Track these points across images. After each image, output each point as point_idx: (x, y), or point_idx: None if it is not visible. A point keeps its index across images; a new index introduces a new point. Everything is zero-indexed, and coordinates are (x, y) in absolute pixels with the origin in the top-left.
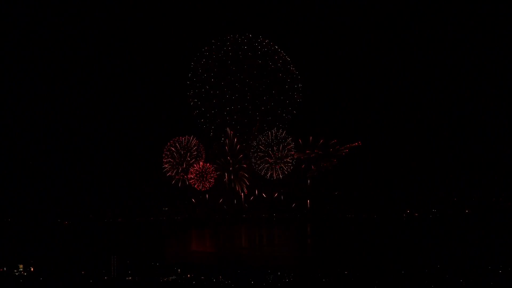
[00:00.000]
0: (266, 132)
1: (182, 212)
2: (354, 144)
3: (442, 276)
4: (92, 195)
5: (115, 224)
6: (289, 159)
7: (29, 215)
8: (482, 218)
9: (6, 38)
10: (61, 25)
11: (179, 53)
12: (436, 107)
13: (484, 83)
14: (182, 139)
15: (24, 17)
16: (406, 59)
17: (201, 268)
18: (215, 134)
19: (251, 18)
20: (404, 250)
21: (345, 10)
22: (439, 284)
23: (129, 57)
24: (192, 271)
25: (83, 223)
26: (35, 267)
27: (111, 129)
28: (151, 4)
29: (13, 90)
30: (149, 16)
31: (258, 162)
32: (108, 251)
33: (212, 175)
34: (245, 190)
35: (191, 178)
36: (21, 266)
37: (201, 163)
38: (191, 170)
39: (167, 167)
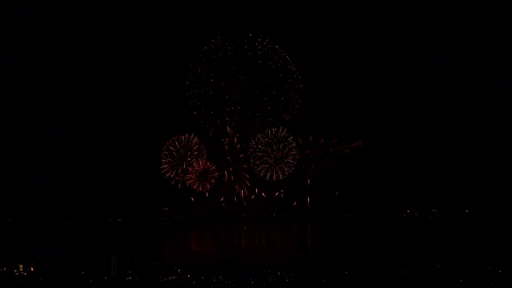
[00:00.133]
0: (266, 130)
1: (182, 212)
2: (354, 144)
3: (442, 276)
4: (92, 195)
5: (115, 224)
6: (290, 159)
7: (29, 215)
8: (482, 218)
9: (5, 38)
10: (61, 25)
11: (179, 52)
12: (436, 107)
13: (484, 83)
14: (182, 137)
15: (21, 16)
16: (407, 59)
17: (201, 268)
18: (214, 134)
19: (251, 18)
20: (404, 250)
21: (345, 10)
22: (439, 284)
23: (128, 56)
24: (192, 271)
25: (83, 223)
26: (35, 267)
27: (111, 129)
28: (151, 3)
29: (12, 90)
30: (149, 15)
31: (257, 162)
32: (108, 251)
33: (212, 175)
34: (246, 191)
35: (190, 179)
36: (21, 266)
37: (202, 162)
38: (191, 170)
39: (166, 167)
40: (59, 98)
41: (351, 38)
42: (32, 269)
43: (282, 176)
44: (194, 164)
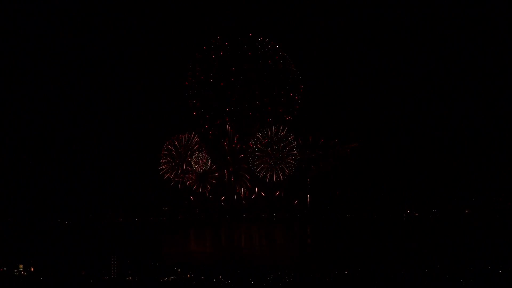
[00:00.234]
0: (265, 130)
1: (182, 212)
2: (351, 145)
3: (442, 276)
4: (92, 195)
5: (115, 224)
6: (291, 159)
7: (29, 215)
8: (482, 218)
9: (5, 38)
10: (61, 25)
11: (178, 52)
12: (436, 107)
13: (484, 83)
14: (182, 137)
15: (20, 15)
16: (407, 60)
17: (201, 268)
18: (214, 135)
19: (251, 18)
20: (404, 250)
21: (346, 11)
22: (439, 284)
23: (128, 56)
24: (192, 271)
25: (83, 223)
26: (35, 267)
27: (111, 129)
28: (151, 3)
29: (12, 90)
30: (149, 15)
31: (256, 163)
32: (108, 251)
33: (213, 175)
34: (246, 192)
35: (190, 179)
36: (21, 266)
37: (202, 161)
38: (190, 169)
39: (165, 168)
40: (59, 98)
41: (352, 39)
42: (32, 269)
43: (282, 177)
44: (193, 162)
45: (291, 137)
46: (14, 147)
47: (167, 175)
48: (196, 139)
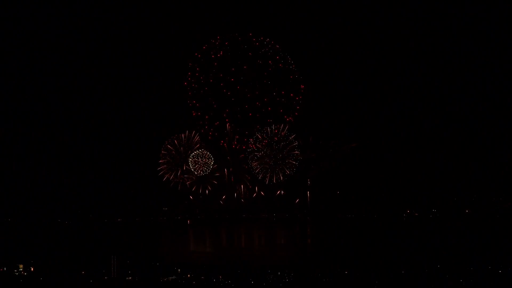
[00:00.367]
0: (265, 129)
1: (182, 212)
2: (351, 145)
3: (442, 276)
4: (92, 195)
5: (115, 224)
6: (292, 160)
7: (29, 215)
8: (482, 218)
9: (5, 38)
10: (61, 26)
11: (178, 52)
12: (436, 107)
13: (484, 83)
14: (182, 135)
15: (19, 15)
16: (407, 60)
17: (201, 268)
18: (214, 135)
19: (251, 17)
20: (404, 250)
21: (346, 11)
22: (439, 284)
23: (128, 56)
24: (192, 271)
25: (83, 223)
26: (35, 267)
27: (112, 129)
28: (151, 3)
29: (12, 90)
30: (149, 15)
31: (255, 163)
32: (108, 251)
33: (213, 175)
34: (246, 192)
35: (190, 179)
36: (21, 266)
37: (203, 160)
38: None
39: (164, 168)
40: (59, 98)
41: (352, 39)
42: (32, 269)
43: (282, 178)
44: (193, 162)
45: (292, 137)
46: (14, 147)
47: (166, 176)
48: (197, 138)
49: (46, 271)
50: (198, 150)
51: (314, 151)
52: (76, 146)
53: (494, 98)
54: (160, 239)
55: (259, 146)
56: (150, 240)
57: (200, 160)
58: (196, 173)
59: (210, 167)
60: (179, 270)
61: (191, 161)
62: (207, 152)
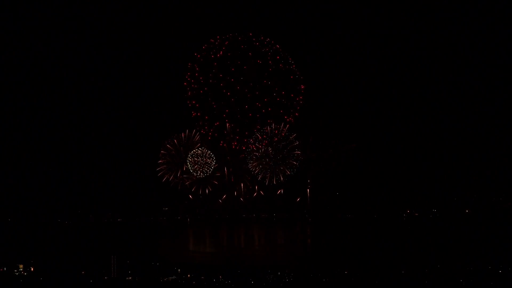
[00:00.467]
0: (265, 128)
1: (182, 212)
2: (350, 146)
3: (442, 276)
4: (92, 195)
5: (115, 224)
6: (293, 160)
7: (29, 215)
8: (482, 218)
9: (5, 38)
10: (61, 26)
11: (178, 52)
12: (436, 107)
13: (484, 83)
14: (182, 135)
15: (21, 15)
16: (407, 60)
17: (201, 268)
18: (214, 135)
19: (251, 17)
20: (404, 250)
21: (346, 11)
22: (439, 284)
23: (127, 55)
24: (192, 271)
25: (83, 223)
26: (35, 267)
27: (111, 129)
28: (151, 3)
29: (12, 90)
30: (148, 15)
31: (254, 164)
32: (108, 251)
33: (214, 175)
34: (246, 193)
35: (190, 179)
36: (21, 266)
37: (203, 159)
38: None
39: (163, 168)
40: (59, 98)
41: (352, 40)
42: (32, 269)
43: (283, 179)
44: (192, 162)
45: (293, 137)
46: (14, 147)
47: (166, 176)
48: (197, 137)
49: (46, 271)
50: (198, 149)
51: (314, 151)
52: (76, 146)
53: (494, 98)
54: (160, 239)
55: (259, 146)
56: (150, 240)
57: (200, 160)
58: (195, 174)
59: (211, 168)
60: (179, 270)
61: (190, 161)
62: (207, 151)
